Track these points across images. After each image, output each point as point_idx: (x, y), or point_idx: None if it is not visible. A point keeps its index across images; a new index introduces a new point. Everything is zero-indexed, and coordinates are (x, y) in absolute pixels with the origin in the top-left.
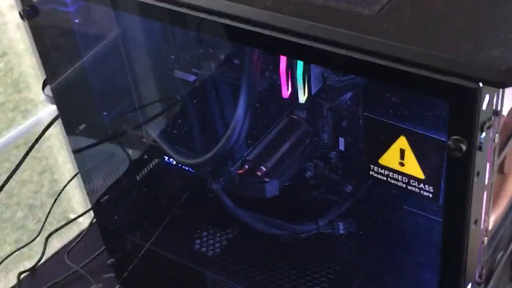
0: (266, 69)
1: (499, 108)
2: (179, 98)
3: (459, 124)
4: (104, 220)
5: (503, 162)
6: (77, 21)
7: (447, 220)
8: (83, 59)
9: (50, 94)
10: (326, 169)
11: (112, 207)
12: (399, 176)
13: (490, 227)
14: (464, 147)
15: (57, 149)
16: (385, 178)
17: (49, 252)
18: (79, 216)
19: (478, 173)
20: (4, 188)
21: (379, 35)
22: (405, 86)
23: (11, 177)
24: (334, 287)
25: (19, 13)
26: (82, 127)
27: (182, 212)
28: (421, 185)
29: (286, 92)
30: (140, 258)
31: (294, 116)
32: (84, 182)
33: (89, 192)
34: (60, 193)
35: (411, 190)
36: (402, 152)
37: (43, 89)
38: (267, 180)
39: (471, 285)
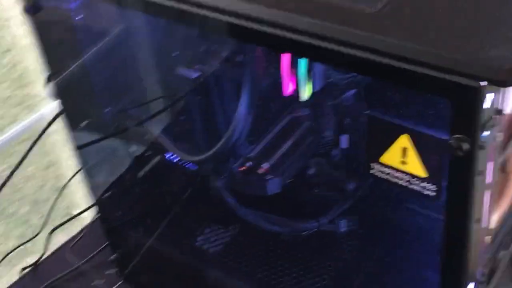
0: (268, 66)
1: (501, 107)
2: (181, 94)
3: (461, 123)
4: (107, 216)
5: (505, 160)
6: (79, 17)
7: (449, 219)
8: (86, 56)
9: (53, 90)
10: (328, 166)
11: (115, 203)
12: (401, 174)
13: (492, 226)
14: (466, 146)
15: (62, 145)
16: (386, 177)
17: (53, 247)
18: (82, 212)
19: (480, 172)
20: (8, 183)
21: (381, 33)
22: (407, 84)
23: (14, 171)
24: (335, 285)
25: (22, 9)
26: (84, 123)
27: (185, 209)
28: (423, 184)
29: (289, 90)
30: (142, 254)
31: (297, 114)
32: (87, 178)
33: (92, 188)
34: (63, 188)
35: (413, 189)
36: (404, 151)
37: (45, 84)
38: (269, 177)
39: (473, 285)
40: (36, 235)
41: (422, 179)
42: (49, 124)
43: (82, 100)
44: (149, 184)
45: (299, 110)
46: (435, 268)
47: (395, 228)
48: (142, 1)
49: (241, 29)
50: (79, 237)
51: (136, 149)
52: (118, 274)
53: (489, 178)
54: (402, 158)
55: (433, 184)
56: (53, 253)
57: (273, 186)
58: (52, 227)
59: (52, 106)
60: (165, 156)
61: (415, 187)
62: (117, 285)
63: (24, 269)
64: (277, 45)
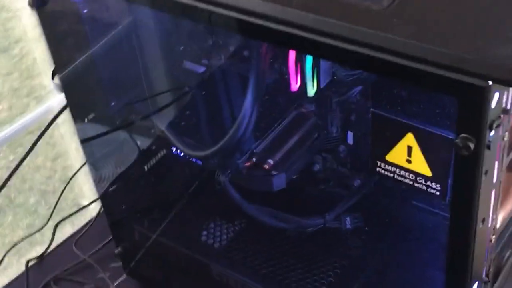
0: (274, 61)
1: (509, 107)
2: (187, 89)
3: (468, 122)
4: (112, 209)
5: None
6: (85, 10)
7: (454, 218)
8: (92, 49)
9: (59, 83)
10: (334, 163)
11: (120, 197)
12: (406, 173)
13: (498, 226)
14: (472, 146)
15: (70, 136)
16: (392, 175)
17: (60, 238)
18: (88, 205)
19: (486, 172)
20: (17, 173)
21: (387, 31)
22: (413, 82)
23: (22, 162)
24: (340, 281)
25: (28, 2)
26: (90, 116)
27: (190, 203)
28: (428, 183)
29: (294, 85)
30: (147, 248)
31: (303, 109)
32: (92, 172)
33: (97, 182)
34: (70, 179)
35: (418, 188)
36: (409, 149)
37: (52, 78)
38: (274, 173)
39: (478, 284)
40: (43, 226)
41: (427, 178)
42: (56, 116)
43: (88, 94)
44: (154, 178)
45: (305, 106)
46: (440, 266)
47: (400, 225)
48: None
49: (248, 25)
50: (85, 229)
51: (141, 143)
52: (123, 268)
53: (495, 177)
54: (408, 156)
55: (438, 183)
56: (59, 245)
57: (279, 181)
58: (59, 218)
59: (61, 98)
60: (171, 150)
61: (420, 186)
62: (121, 278)
63: (29, 261)
64: (283, 42)
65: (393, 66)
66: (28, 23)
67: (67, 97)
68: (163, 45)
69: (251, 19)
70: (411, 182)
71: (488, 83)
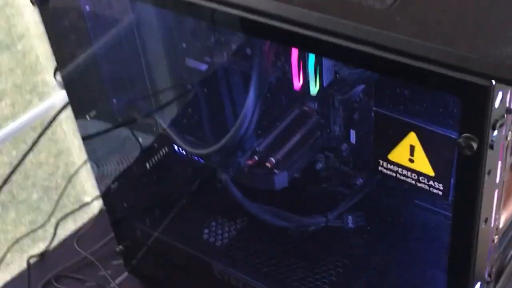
0: (277, 59)
1: None
2: (189, 87)
3: (471, 122)
4: (113, 207)
5: None
6: (87, 7)
7: (457, 218)
8: (94, 46)
9: (61, 80)
10: (336, 161)
11: (122, 195)
12: (409, 172)
13: (501, 226)
14: (475, 145)
15: (73, 132)
16: (394, 174)
17: (62, 235)
18: (90, 202)
19: (489, 172)
20: (20, 169)
21: (391, 29)
22: (416, 81)
23: (24, 158)
24: (342, 280)
25: (30, 0)
26: (91, 114)
27: (191, 201)
28: (431, 182)
29: (297, 84)
30: (148, 246)
31: (305, 108)
32: (94, 169)
33: (99, 179)
34: (72, 176)
35: (421, 187)
36: (412, 148)
37: (54, 75)
38: (276, 171)
39: (480, 284)
40: (45, 222)
41: (430, 178)
42: (58, 112)
43: (90, 91)
44: (156, 176)
45: (307, 105)
46: (442, 266)
47: (402, 225)
48: None
49: (251, 23)
50: (87, 226)
51: (143, 141)
52: (124, 266)
53: (498, 177)
54: (410, 156)
55: (441, 183)
56: (61, 242)
57: (281, 180)
58: (62, 215)
59: (63, 94)
60: (172, 148)
61: (423, 186)
62: (123, 276)
63: (31, 258)
64: (286, 40)
65: (396, 65)
66: (31, 20)
67: (68, 94)
68: (165, 42)
69: (254, 17)
70: (413, 182)
71: (491, 82)
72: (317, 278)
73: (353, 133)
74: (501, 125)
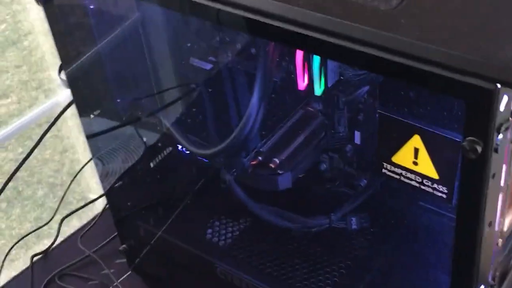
0: (282, 60)
1: None
2: (194, 86)
3: (475, 125)
4: (117, 206)
5: None
6: (92, 6)
7: (461, 221)
8: (98, 45)
9: (65, 78)
10: (341, 162)
11: (125, 194)
12: (413, 175)
13: (505, 229)
14: (479, 149)
15: (79, 129)
16: (398, 177)
17: (66, 232)
18: (94, 200)
19: (493, 175)
20: (26, 166)
21: (395, 31)
22: (421, 84)
23: (30, 154)
24: (346, 282)
25: None
26: (96, 112)
27: (195, 201)
28: (435, 185)
29: (302, 84)
30: (151, 246)
31: (310, 108)
32: (98, 168)
33: (103, 178)
34: (77, 174)
35: (425, 190)
36: (416, 151)
37: (59, 73)
38: (280, 172)
39: (484, 287)
40: (50, 219)
41: (434, 181)
42: (64, 110)
43: (94, 90)
44: (160, 175)
45: (312, 105)
46: (446, 269)
47: (406, 226)
48: None
49: (254, 23)
50: (91, 224)
51: (147, 140)
52: (127, 265)
53: (502, 181)
54: (414, 158)
55: (445, 186)
56: (64, 240)
57: (284, 181)
58: (67, 211)
59: (69, 92)
60: (176, 148)
61: (427, 188)
62: (126, 274)
63: (35, 256)
64: (290, 41)
65: (400, 67)
66: (38, 17)
67: (73, 92)
68: (170, 41)
69: (258, 18)
70: (417, 184)
71: (496, 85)
72: (320, 279)
73: (357, 134)
74: (506, 129)
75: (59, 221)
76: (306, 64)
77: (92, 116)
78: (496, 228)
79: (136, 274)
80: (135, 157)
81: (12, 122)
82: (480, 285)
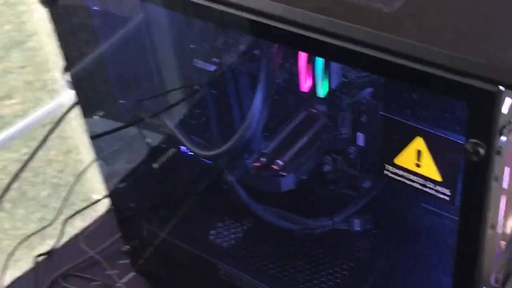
0: (285, 61)
1: None
2: (197, 87)
3: (478, 128)
4: (120, 207)
5: None
6: (96, 8)
7: (463, 223)
8: (102, 47)
9: (69, 80)
10: (344, 164)
11: (129, 195)
12: (415, 177)
13: (507, 232)
14: (482, 151)
15: (82, 130)
16: (400, 179)
17: (72, 232)
18: (98, 201)
19: (496, 178)
20: (30, 167)
21: (398, 33)
22: (423, 86)
23: (34, 155)
24: (348, 283)
25: (39, 1)
26: (99, 113)
27: (198, 203)
28: (438, 187)
29: (305, 86)
30: (155, 246)
31: (313, 110)
32: (101, 168)
33: (106, 179)
34: (80, 174)
35: (427, 192)
36: (418, 153)
37: (62, 74)
38: (283, 174)
39: None
40: (54, 220)
41: (437, 183)
42: (68, 110)
43: (97, 91)
44: (163, 176)
45: (315, 107)
46: (448, 271)
47: (409, 228)
48: None
49: (257, 25)
50: (95, 225)
51: (151, 141)
52: (131, 265)
53: (505, 183)
54: (417, 160)
55: (448, 188)
56: (68, 241)
57: (287, 182)
58: (71, 212)
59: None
60: (179, 149)
61: (429, 191)
62: (129, 275)
63: (38, 256)
64: (293, 43)
65: (403, 69)
66: (43, 17)
67: (76, 94)
68: (173, 43)
69: (261, 20)
70: (420, 187)
71: (499, 88)
72: (322, 281)
73: (360, 135)
74: (509, 131)
75: (62, 221)
76: (309, 65)
77: (95, 117)
78: (499, 231)
79: (139, 275)
80: (138, 158)
81: (17, 123)
82: (483, 287)
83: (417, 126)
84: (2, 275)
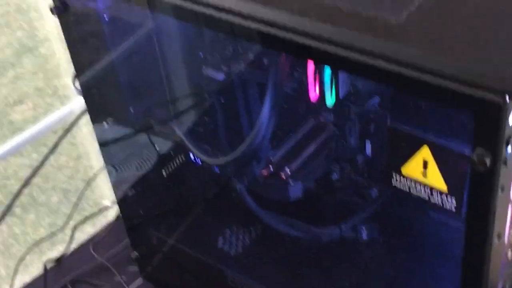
0: (293, 70)
1: None
2: (206, 96)
3: (484, 138)
4: (129, 214)
5: None
6: (106, 16)
7: (470, 233)
8: (112, 55)
9: (79, 87)
10: (352, 172)
11: (138, 202)
12: (422, 187)
13: None
14: (488, 162)
15: (93, 136)
16: (407, 189)
17: (82, 238)
18: (107, 207)
19: (502, 188)
20: (41, 172)
21: (405, 44)
22: (429, 96)
23: (44, 161)
24: None
25: (50, 9)
26: (109, 120)
27: (207, 210)
28: (444, 197)
29: (313, 95)
30: (163, 253)
31: (321, 119)
32: (111, 175)
33: (116, 186)
34: (90, 179)
35: (434, 202)
36: (425, 163)
37: (73, 82)
38: (291, 182)
39: None
40: (64, 225)
41: (443, 193)
42: (78, 117)
43: (107, 98)
44: (172, 183)
45: (322, 116)
46: (455, 281)
47: (415, 236)
48: (170, 4)
49: (265, 35)
50: (104, 231)
51: (160, 149)
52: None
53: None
54: (423, 170)
55: (454, 198)
56: (78, 247)
57: (295, 191)
58: (80, 217)
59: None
60: (188, 156)
61: (436, 200)
62: (138, 282)
63: (48, 262)
64: (300, 52)
65: (409, 80)
66: (54, 24)
67: (86, 101)
68: (182, 51)
69: (270, 30)
70: (426, 197)
71: (505, 98)
72: None
73: (368, 144)
74: None
75: (72, 227)
76: (317, 75)
77: (105, 124)
78: (506, 241)
79: (147, 281)
80: (147, 165)
81: (27, 128)
82: None
83: (424, 136)
84: (12, 280)
